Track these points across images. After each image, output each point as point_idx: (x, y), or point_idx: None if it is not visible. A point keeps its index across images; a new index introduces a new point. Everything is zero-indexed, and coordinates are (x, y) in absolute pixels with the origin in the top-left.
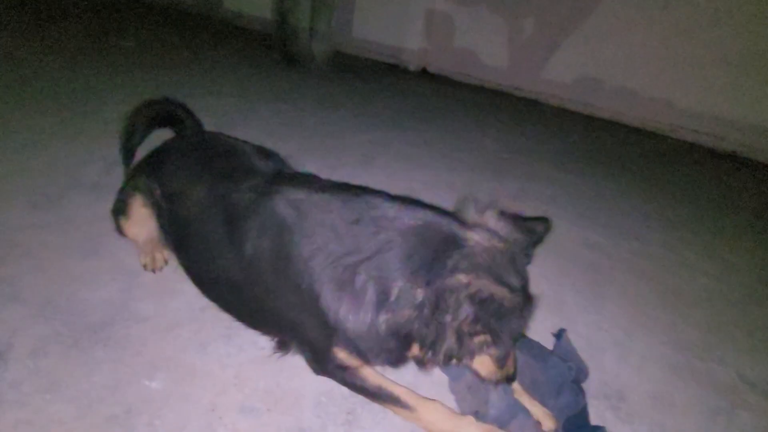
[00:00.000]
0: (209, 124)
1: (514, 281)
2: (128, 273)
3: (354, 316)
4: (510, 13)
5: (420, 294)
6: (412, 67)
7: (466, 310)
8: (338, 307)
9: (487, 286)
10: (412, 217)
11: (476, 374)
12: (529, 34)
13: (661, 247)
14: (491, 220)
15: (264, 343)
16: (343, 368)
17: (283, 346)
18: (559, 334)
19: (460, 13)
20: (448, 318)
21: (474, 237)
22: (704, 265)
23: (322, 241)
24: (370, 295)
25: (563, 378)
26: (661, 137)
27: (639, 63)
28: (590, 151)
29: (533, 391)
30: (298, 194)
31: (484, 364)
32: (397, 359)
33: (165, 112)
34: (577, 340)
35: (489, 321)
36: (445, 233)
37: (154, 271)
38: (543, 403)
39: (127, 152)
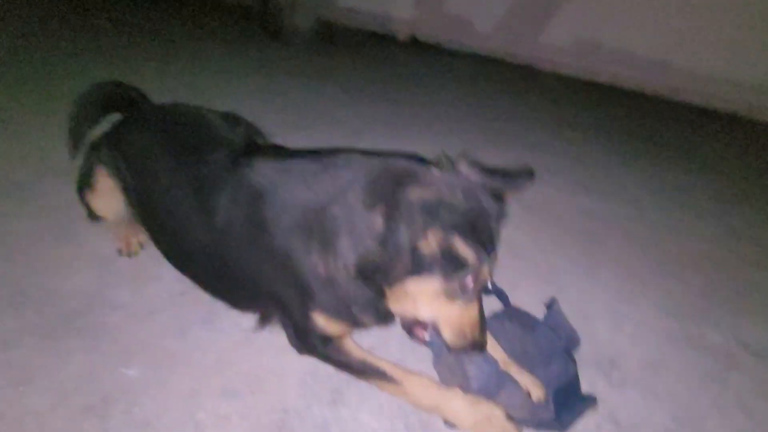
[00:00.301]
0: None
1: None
2: (102, 260)
3: (324, 262)
4: None
5: (379, 223)
6: (401, 36)
7: (418, 219)
8: (308, 258)
9: (442, 194)
10: (378, 160)
11: (441, 338)
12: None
13: (658, 211)
14: (462, 167)
15: (246, 325)
16: (325, 340)
17: (264, 321)
18: (551, 304)
19: None
20: (402, 236)
21: (438, 173)
22: (701, 228)
23: (291, 199)
24: (337, 236)
25: (553, 347)
26: (660, 100)
27: (637, 24)
28: (587, 117)
29: (523, 361)
30: (268, 163)
31: (448, 322)
32: (378, 311)
33: (117, 96)
34: (569, 308)
35: (444, 227)
36: (408, 170)
37: (129, 256)
38: (533, 372)
39: (75, 138)
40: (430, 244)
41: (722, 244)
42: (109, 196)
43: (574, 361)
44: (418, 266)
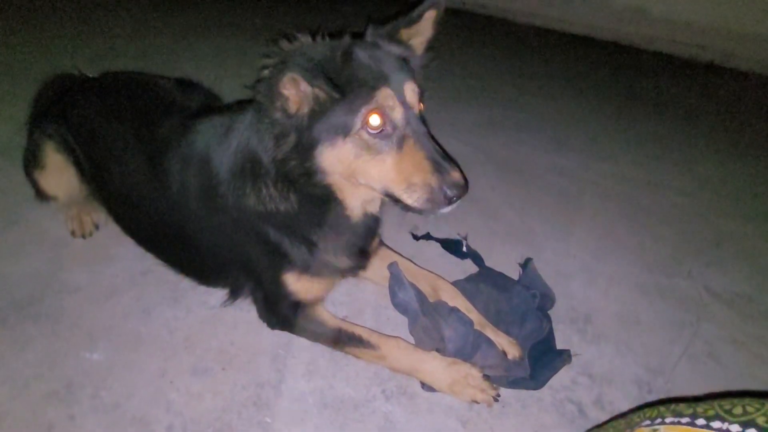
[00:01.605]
0: (136, 68)
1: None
2: (55, 242)
3: (255, 193)
4: None
5: (267, 128)
6: None
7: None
8: (245, 198)
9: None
10: None
11: (414, 297)
12: None
13: (631, 166)
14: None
15: (214, 301)
16: (298, 308)
17: (234, 295)
18: (525, 264)
19: None
20: (276, 111)
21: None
22: (674, 180)
23: (230, 153)
24: (256, 160)
25: (527, 306)
26: (636, 50)
27: None
28: (562, 71)
29: (498, 321)
30: (213, 122)
31: (390, 179)
32: (346, 243)
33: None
34: (545, 268)
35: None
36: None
37: (84, 236)
38: (508, 332)
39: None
40: (289, 89)
41: (694, 196)
42: (59, 173)
43: (549, 319)
44: (315, 134)
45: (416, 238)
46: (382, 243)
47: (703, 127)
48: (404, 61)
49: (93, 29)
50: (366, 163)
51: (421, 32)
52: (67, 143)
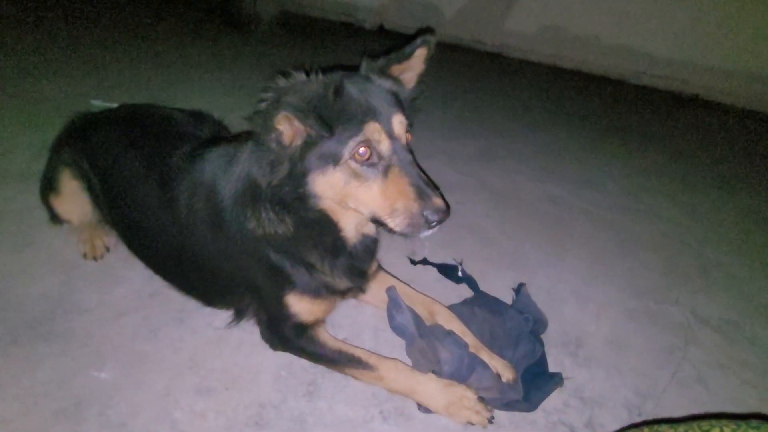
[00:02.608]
0: (148, 98)
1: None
2: (66, 264)
3: (255, 217)
4: None
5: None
6: (368, 25)
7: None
8: (246, 222)
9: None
10: None
11: (410, 321)
12: None
13: (621, 195)
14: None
15: (219, 323)
16: (300, 330)
17: (239, 316)
18: (519, 289)
19: None
20: (272, 143)
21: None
22: (662, 210)
23: (234, 181)
24: (255, 188)
25: (520, 330)
26: (624, 84)
27: (601, 9)
28: (554, 103)
29: (492, 344)
30: (221, 151)
31: (376, 204)
32: (345, 264)
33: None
34: (538, 292)
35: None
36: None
37: (95, 259)
38: (502, 355)
39: None
40: (283, 125)
41: (681, 225)
42: (74, 199)
43: (541, 343)
44: (307, 163)
45: (414, 262)
46: (380, 267)
47: (688, 158)
48: (394, 95)
49: (112, 61)
50: (355, 189)
51: (412, 67)
52: (82, 170)
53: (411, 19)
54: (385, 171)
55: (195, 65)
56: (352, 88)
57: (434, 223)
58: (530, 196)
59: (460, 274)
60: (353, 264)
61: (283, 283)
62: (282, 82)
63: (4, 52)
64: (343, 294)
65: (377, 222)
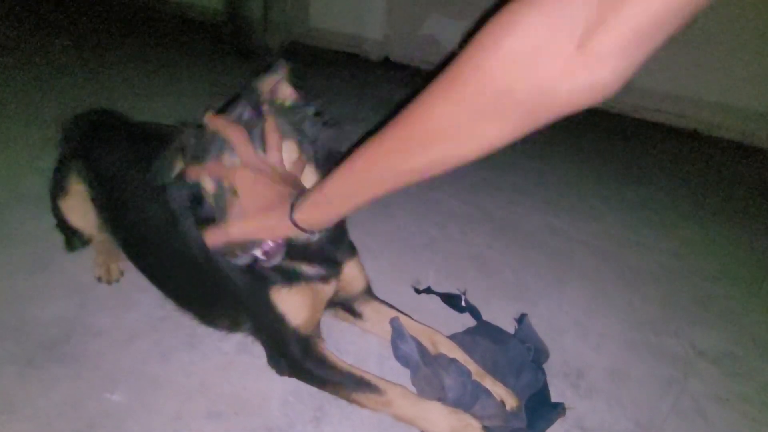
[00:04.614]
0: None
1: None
2: (80, 287)
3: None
4: None
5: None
6: (374, 57)
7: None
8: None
9: None
10: None
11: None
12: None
13: (620, 227)
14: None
15: (228, 348)
16: (305, 345)
17: (233, 329)
18: (521, 319)
19: None
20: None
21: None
22: (660, 242)
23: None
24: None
25: (523, 359)
26: (623, 118)
27: None
28: (553, 135)
29: (495, 373)
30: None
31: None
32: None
33: (103, 124)
34: (539, 323)
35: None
36: None
37: (109, 283)
38: (504, 383)
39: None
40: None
41: (680, 257)
42: (82, 203)
43: (543, 372)
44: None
45: (418, 291)
46: (380, 300)
47: (687, 192)
48: None
49: (125, 88)
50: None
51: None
52: (87, 177)
53: (415, 52)
54: None
55: (207, 94)
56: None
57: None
58: (531, 227)
59: (463, 303)
60: (319, 250)
61: (263, 282)
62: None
63: (20, 74)
64: (320, 280)
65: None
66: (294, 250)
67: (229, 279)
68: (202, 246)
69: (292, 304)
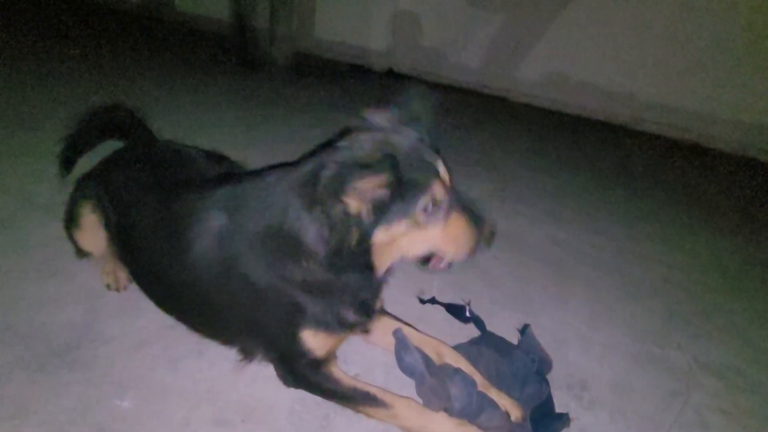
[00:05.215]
0: (166, 136)
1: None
2: (90, 294)
3: (299, 268)
4: (477, 11)
5: (320, 217)
6: (377, 68)
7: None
8: (285, 271)
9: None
10: (299, 165)
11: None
12: (497, 32)
13: (623, 240)
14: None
15: (235, 355)
16: (315, 366)
17: (247, 354)
18: (524, 330)
19: (425, 11)
20: (335, 211)
21: (345, 143)
22: (663, 255)
23: (249, 225)
24: (300, 242)
25: (527, 370)
26: (626, 130)
27: (602, 58)
28: (557, 148)
29: (499, 383)
30: (224, 195)
31: (439, 244)
32: (361, 303)
33: (117, 120)
34: (542, 334)
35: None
36: (320, 162)
37: (118, 290)
38: (509, 394)
39: (68, 159)
40: (350, 199)
41: (683, 270)
42: (93, 231)
43: (547, 383)
44: (373, 223)
45: (423, 302)
46: (385, 311)
47: (689, 204)
48: (423, 141)
49: (133, 99)
50: (417, 235)
51: (421, 117)
52: (102, 203)
53: (419, 63)
54: (446, 215)
55: (213, 103)
56: (402, 152)
57: (489, 245)
58: (535, 238)
59: (467, 314)
60: (365, 300)
61: (300, 318)
62: (339, 153)
63: (31, 84)
64: (351, 328)
65: (426, 259)
66: (346, 295)
67: (269, 307)
68: (273, 277)
69: (322, 344)
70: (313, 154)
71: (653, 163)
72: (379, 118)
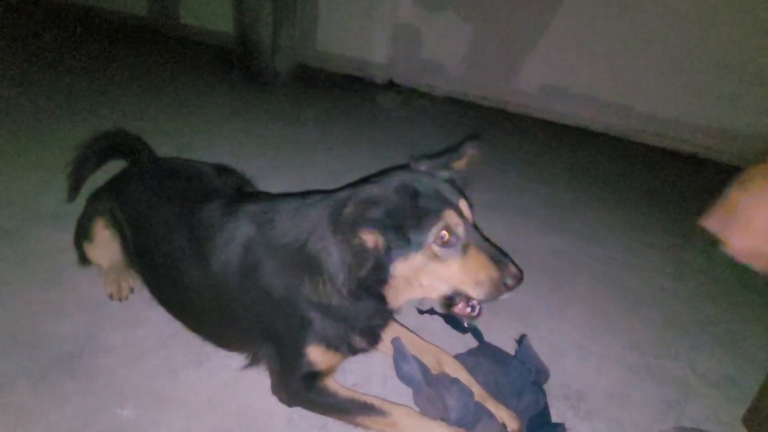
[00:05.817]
0: (170, 146)
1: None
2: (93, 304)
3: (315, 290)
4: (475, 23)
5: (345, 246)
6: (378, 80)
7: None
8: (302, 288)
9: (369, 194)
10: (336, 194)
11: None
12: (495, 44)
13: (621, 250)
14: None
15: (235, 365)
16: (310, 381)
17: (254, 362)
18: (521, 340)
19: (425, 24)
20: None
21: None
22: (661, 265)
23: (276, 240)
24: (322, 265)
25: (524, 380)
26: (624, 142)
27: (600, 69)
28: (556, 159)
29: (496, 394)
30: (254, 209)
31: (459, 280)
32: (370, 330)
33: (119, 144)
34: (540, 344)
35: (378, 219)
36: (347, 197)
37: (120, 300)
38: (506, 404)
39: (76, 182)
40: (366, 236)
41: (680, 281)
42: (105, 246)
43: (544, 393)
44: (391, 255)
45: (421, 312)
46: None
47: (687, 215)
48: (452, 182)
49: (137, 110)
50: (434, 269)
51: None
52: (115, 219)
53: (418, 75)
54: (464, 249)
55: (217, 115)
56: (422, 186)
57: (513, 287)
58: (533, 248)
59: (465, 324)
60: (373, 327)
61: (308, 333)
62: (366, 189)
63: (38, 96)
64: (356, 351)
65: (449, 297)
66: (356, 321)
67: (282, 320)
68: (290, 292)
69: (325, 360)
70: (354, 184)
71: (651, 174)
72: (423, 165)
